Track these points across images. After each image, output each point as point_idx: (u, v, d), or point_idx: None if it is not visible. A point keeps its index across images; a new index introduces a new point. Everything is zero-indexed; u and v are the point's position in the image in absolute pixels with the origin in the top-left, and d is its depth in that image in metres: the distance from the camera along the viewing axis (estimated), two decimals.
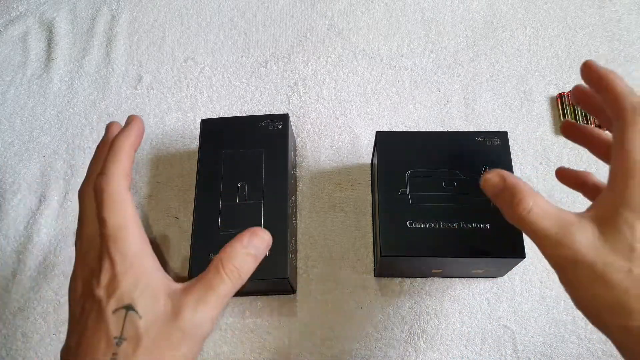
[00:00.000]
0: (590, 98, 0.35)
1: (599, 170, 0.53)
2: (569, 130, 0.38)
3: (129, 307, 0.28)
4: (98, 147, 0.36)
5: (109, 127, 0.37)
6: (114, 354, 0.27)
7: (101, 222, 0.30)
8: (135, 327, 0.27)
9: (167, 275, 0.31)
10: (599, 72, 0.33)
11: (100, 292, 0.28)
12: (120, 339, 0.27)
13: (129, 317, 0.28)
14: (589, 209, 0.30)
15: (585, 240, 0.28)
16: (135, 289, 0.28)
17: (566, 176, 0.40)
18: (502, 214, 0.32)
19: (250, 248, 0.31)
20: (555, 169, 0.54)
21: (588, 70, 0.33)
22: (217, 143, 0.48)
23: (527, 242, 0.50)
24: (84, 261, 0.31)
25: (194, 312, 0.28)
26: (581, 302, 0.29)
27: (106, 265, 0.29)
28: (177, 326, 0.28)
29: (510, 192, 0.30)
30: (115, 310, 0.28)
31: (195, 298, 0.29)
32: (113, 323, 0.27)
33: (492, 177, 0.32)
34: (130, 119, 0.35)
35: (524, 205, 0.29)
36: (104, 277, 0.28)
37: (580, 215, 0.29)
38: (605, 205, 0.29)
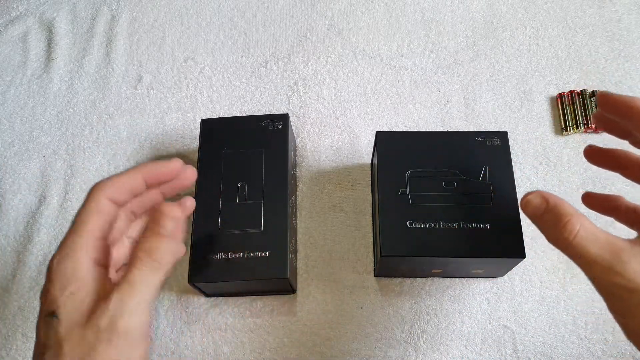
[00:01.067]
0: (616, 124, 0.34)
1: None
2: (593, 156, 0.36)
3: (52, 314, 0.27)
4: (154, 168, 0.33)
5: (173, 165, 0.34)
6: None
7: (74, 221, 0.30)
8: (56, 334, 0.27)
9: (107, 277, 0.30)
10: (619, 101, 0.31)
11: (41, 298, 0.28)
12: (46, 345, 0.27)
13: (50, 323, 0.27)
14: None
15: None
16: (62, 294, 0.27)
17: (594, 202, 0.37)
18: (546, 237, 0.30)
19: (160, 229, 0.30)
20: (555, 169, 0.54)
21: (605, 101, 0.32)
22: (217, 143, 0.48)
23: (527, 242, 0.50)
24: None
25: (116, 311, 0.27)
26: (634, 330, 0.27)
27: (48, 273, 0.28)
28: (99, 328, 0.27)
29: (555, 215, 0.29)
30: (45, 317, 0.27)
31: (119, 297, 0.28)
32: (42, 330, 0.27)
33: (533, 198, 0.31)
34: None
35: (570, 229, 0.28)
36: (45, 286, 0.28)
37: (632, 241, 0.28)
38: None
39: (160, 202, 0.33)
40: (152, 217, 0.30)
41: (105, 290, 0.29)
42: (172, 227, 0.30)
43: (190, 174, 0.34)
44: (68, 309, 0.27)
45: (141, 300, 0.28)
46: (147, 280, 0.29)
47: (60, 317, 0.27)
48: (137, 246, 0.29)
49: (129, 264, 0.29)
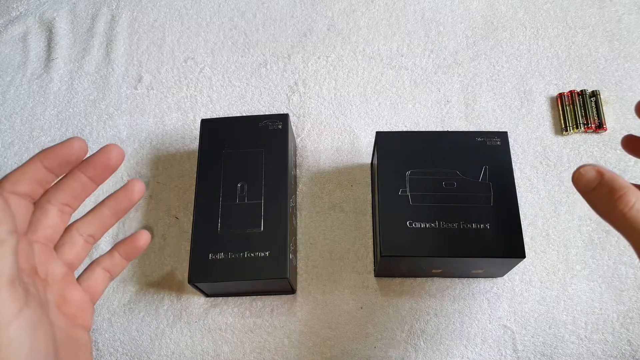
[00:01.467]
0: None
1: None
2: (631, 145, 0.36)
3: None
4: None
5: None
6: None
7: None
8: None
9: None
10: None
11: None
12: None
13: None
14: None
15: None
16: None
17: (636, 146, 0.36)
18: (595, 211, 0.30)
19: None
20: (555, 169, 0.54)
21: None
22: (217, 143, 0.48)
23: (527, 242, 0.50)
24: None
25: None
26: None
27: None
28: None
29: (610, 187, 0.28)
30: None
31: None
32: None
33: (587, 171, 0.29)
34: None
35: (627, 201, 0.27)
36: None
37: None
38: None
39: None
40: None
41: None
42: None
43: (137, 188, 0.33)
44: None
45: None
46: None
47: None
48: None
49: None
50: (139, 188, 0.33)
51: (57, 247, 0.31)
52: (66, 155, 0.30)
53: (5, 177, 0.28)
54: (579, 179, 0.30)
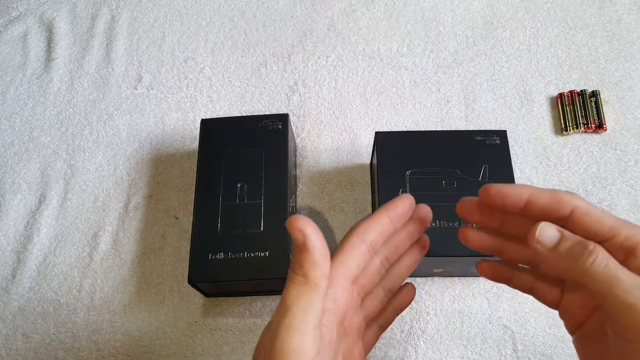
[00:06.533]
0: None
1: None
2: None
3: None
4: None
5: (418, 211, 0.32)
6: None
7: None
8: None
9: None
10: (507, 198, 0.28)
11: None
12: None
13: None
14: None
15: None
16: None
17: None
18: (550, 269, 0.28)
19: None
20: (555, 169, 0.54)
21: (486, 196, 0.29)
22: (217, 143, 0.48)
23: None
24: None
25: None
26: None
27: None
28: None
29: (577, 242, 0.25)
30: None
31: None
32: None
33: (547, 227, 0.26)
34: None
35: (600, 259, 0.24)
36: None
37: None
38: None
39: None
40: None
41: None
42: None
43: (425, 211, 0.32)
44: None
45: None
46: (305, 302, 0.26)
47: None
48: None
49: None
50: (425, 212, 0.32)
51: (363, 298, 0.31)
52: (408, 211, 0.31)
53: (365, 224, 0.29)
54: (539, 238, 0.26)
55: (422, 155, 0.45)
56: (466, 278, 0.49)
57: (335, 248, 0.52)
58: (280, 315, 0.26)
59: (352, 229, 0.29)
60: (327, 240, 0.53)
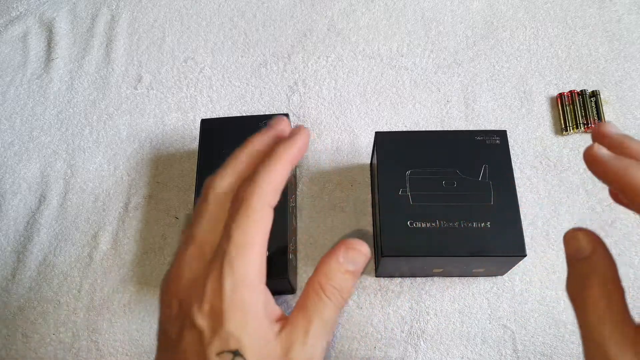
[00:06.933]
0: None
1: None
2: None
3: (236, 353, 0.23)
4: (251, 142, 0.29)
5: (276, 123, 0.30)
6: None
7: (226, 235, 0.25)
8: None
9: (275, 307, 0.27)
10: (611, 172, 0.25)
11: (202, 321, 0.24)
12: None
13: None
14: None
15: None
16: (244, 331, 0.24)
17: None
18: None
19: (348, 264, 0.27)
20: (555, 169, 0.54)
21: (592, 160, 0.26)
22: (217, 143, 0.48)
23: (527, 242, 0.50)
24: (186, 271, 0.25)
25: (303, 347, 0.25)
26: None
27: (212, 292, 0.24)
28: None
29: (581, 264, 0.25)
30: (220, 354, 0.23)
31: (302, 331, 0.25)
32: None
33: (581, 237, 0.26)
34: (298, 130, 0.29)
35: (586, 290, 0.24)
36: (207, 305, 0.24)
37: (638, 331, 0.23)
38: None
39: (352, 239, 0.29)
40: (342, 250, 0.27)
41: (273, 318, 0.26)
42: (363, 265, 0.28)
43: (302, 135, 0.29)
44: (255, 350, 0.24)
45: (331, 335, 0.27)
46: (336, 317, 0.26)
47: (247, 357, 0.23)
48: (324, 280, 0.26)
49: (314, 297, 0.26)
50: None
51: None
52: (305, 150, 0.29)
53: (266, 186, 0.26)
54: (568, 243, 0.26)
55: (422, 155, 0.45)
56: (466, 278, 0.49)
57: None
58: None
59: (258, 192, 0.26)
60: (327, 240, 0.53)
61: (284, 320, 0.26)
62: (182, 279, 0.25)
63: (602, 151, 0.25)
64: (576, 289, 0.25)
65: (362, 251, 0.28)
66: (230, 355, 0.23)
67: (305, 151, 0.29)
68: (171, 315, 0.25)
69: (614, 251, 0.50)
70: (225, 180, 0.27)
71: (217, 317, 0.24)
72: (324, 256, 0.27)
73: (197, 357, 0.24)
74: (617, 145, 0.26)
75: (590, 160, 0.26)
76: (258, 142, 0.29)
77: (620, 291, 0.24)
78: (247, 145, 0.29)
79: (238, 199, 0.26)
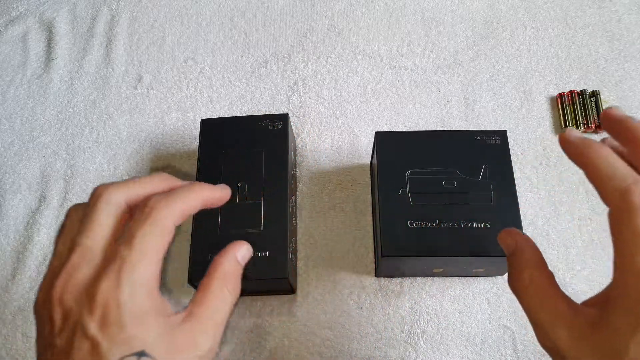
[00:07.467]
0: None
1: None
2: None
3: (141, 354, 0.24)
4: (161, 176, 0.30)
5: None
6: None
7: (128, 242, 0.25)
8: None
9: (167, 304, 0.27)
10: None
11: (95, 330, 0.23)
12: None
13: None
14: (586, 302, 0.28)
15: (568, 339, 0.25)
16: (146, 331, 0.24)
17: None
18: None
19: (240, 258, 0.30)
20: (555, 169, 0.54)
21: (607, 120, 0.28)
22: (217, 143, 0.48)
23: None
24: (71, 278, 0.25)
25: (207, 339, 0.26)
26: None
27: (106, 298, 0.24)
28: (194, 358, 0.25)
29: (515, 257, 0.29)
30: (124, 358, 0.23)
31: (206, 324, 0.27)
32: None
33: (505, 236, 0.31)
34: (222, 186, 0.32)
35: (520, 277, 0.28)
36: (99, 312, 0.23)
37: (576, 308, 0.26)
38: (601, 306, 0.25)
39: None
40: (237, 246, 0.30)
41: (171, 314, 0.26)
42: (246, 259, 0.31)
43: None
44: (162, 346, 0.24)
45: (226, 324, 0.28)
46: (232, 307, 0.29)
47: (153, 355, 0.24)
48: (214, 273, 0.29)
49: (212, 291, 0.28)
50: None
51: None
52: (219, 203, 0.31)
53: (174, 205, 0.27)
54: (500, 242, 0.32)
55: (422, 155, 0.45)
56: (466, 278, 0.49)
57: (334, 248, 0.52)
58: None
59: (164, 209, 0.27)
60: (327, 240, 0.53)
61: (184, 314, 0.27)
62: (68, 286, 0.24)
63: (572, 133, 0.28)
64: (511, 280, 0.29)
65: (250, 250, 0.31)
66: (134, 358, 0.23)
67: (219, 204, 0.31)
68: (55, 328, 0.24)
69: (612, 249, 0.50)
70: (121, 193, 0.27)
71: (114, 323, 0.23)
72: (217, 256, 0.30)
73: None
74: (618, 126, 0.27)
75: (561, 142, 0.29)
76: (162, 178, 0.30)
77: (546, 275, 0.28)
78: (153, 174, 0.30)
79: (146, 209, 0.26)
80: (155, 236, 0.26)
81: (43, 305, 0.25)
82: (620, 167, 0.25)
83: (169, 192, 0.28)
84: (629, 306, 0.24)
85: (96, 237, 0.26)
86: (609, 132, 0.28)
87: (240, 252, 0.30)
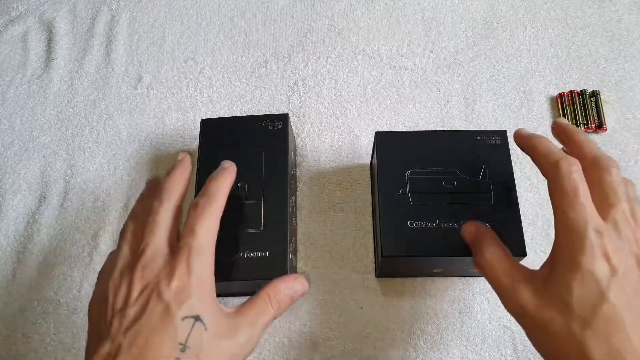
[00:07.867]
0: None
1: None
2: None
3: (197, 318, 0.30)
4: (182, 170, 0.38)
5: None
6: (177, 358, 0.28)
7: (190, 232, 0.32)
8: (200, 338, 0.29)
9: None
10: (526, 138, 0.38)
11: (169, 296, 0.30)
12: (185, 346, 0.29)
13: (196, 327, 0.30)
14: (542, 266, 0.33)
15: (528, 296, 0.31)
16: (203, 304, 0.31)
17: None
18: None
19: (292, 290, 0.36)
20: None
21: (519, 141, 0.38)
22: (217, 143, 0.48)
23: (527, 242, 0.50)
24: (148, 265, 0.31)
25: (247, 332, 0.32)
26: (534, 345, 0.32)
27: (181, 273, 0.30)
28: (234, 344, 0.31)
29: (478, 241, 0.37)
30: (185, 318, 0.29)
31: (249, 321, 0.33)
32: (181, 329, 0.29)
33: (467, 227, 0.39)
34: (224, 163, 0.39)
35: (484, 254, 0.35)
36: (176, 283, 0.30)
37: (531, 272, 0.33)
38: (549, 264, 0.32)
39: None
40: (291, 279, 0.36)
41: (220, 305, 0.33)
42: (299, 296, 0.36)
43: None
44: (211, 320, 0.30)
45: (262, 333, 0.34)
46: (270, 322, 0.34)
47: (205, 323, 0.30)
48: (273, 293, 0.35)
49: (262, 301, 0.34)
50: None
51: None
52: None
53: (220, 199, 0.36)
54: (463, 234, 0.40)
55: (422, 155, 0.45)
56: (466, 278, 0.49)
57: (334, 248, 0.52)
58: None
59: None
60: (327, 240, 0.53)
61: (233, 309, 0.33)
62: (147, 268, 0.31)
63: (524, 130, 0.38)
64: (477, 260, 0.36)
65: (304, 285, 0.37)
66: (192, 320, 0.30)
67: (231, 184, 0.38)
68: (130, 300, 0.30)
69: None
70: (173, 200, 0.35)
71: (184, 292, 0.30)
72: (278, 279, 0.36)
73: (163, 324, 0.29)
74: (561, 131, 0.38)
75: (515, 137, 0.38)
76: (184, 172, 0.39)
77: (504, 251, 0.36)
78: (176, 167, 0.39)
79: (198, 207, 0.34)
80: (211, 227, 0.33)
81: (125, 276, 0.32)
82: (553, 149, 0.35)
83: (209, 191, 0.35)
84: (566, 253, 0.30)
85: (161, 235, 0.33)
86: (556, 137, 0.38)
87: (295, 285, 0.36)
